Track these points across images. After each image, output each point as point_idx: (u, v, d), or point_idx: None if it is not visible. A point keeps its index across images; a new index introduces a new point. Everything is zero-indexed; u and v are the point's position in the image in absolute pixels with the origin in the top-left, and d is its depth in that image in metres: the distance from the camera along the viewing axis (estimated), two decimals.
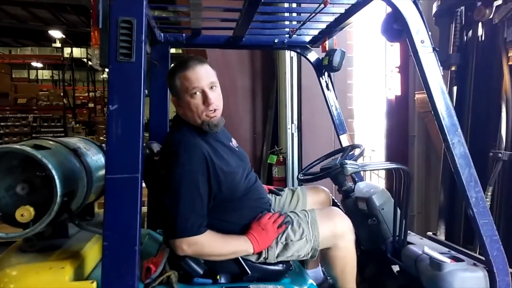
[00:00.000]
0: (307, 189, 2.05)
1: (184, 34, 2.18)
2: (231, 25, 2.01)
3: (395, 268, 1.99)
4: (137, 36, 1.26)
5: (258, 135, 3.85)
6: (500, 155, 1.82)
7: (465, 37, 2.20)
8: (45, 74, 19.53)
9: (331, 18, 1.99)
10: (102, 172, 1.84)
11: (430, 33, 1.41)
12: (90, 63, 15.11)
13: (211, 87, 1.58)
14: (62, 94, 11.90)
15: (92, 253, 1.54)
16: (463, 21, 2.19)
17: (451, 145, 1.41)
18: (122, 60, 1.26)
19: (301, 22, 1.94)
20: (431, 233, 2.24)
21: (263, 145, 3.80)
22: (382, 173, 3.17)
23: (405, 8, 1.41)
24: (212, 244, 1.51)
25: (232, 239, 1.56)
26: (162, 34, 2.13)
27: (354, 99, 3.42)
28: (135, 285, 1.25)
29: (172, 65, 1.67)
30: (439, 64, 1.40)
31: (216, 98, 1.58)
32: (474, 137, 2.15)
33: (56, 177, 1.34)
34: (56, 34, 12.18)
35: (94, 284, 1.35)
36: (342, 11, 1.86)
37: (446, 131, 1.41)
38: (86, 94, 15.56)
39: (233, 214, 1.61)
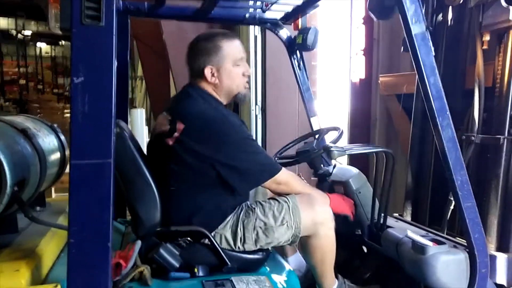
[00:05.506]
0: None
1: (146, 3, 1.95)
2: None
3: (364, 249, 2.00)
4: None
5: None
6: (473, 138, 1.86)
7: (435, 21, 2.21)
8: None
9: None
10: (56, 156, 1.61)
11: (424, 11, 1.36)
12: (20, 35, 13.75)
13: None
14: None
15: (49, 250, 1.33)
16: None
17: (440, 128, 1.38)
18: (89, 23, 1.05)
19: None
20: (397, 214, 2.27)
21: None
22: (343, 158, 3.18)
23: None
24: (294, 179, 1.62)
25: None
26: (121, 2, 1.88)
27: (318, 81, 3.37)
28: (109, 287, 1.08)
29: (202, 34, 1.64)
30: (431, 44, 1.35)
31: None
32: None
33: (5, 164, 1.12)
34: None
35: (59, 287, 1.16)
36: None
37: (435, 113, 1.38)
38: (16, 69, 14.23)
39: (229, 195, 1.56)
